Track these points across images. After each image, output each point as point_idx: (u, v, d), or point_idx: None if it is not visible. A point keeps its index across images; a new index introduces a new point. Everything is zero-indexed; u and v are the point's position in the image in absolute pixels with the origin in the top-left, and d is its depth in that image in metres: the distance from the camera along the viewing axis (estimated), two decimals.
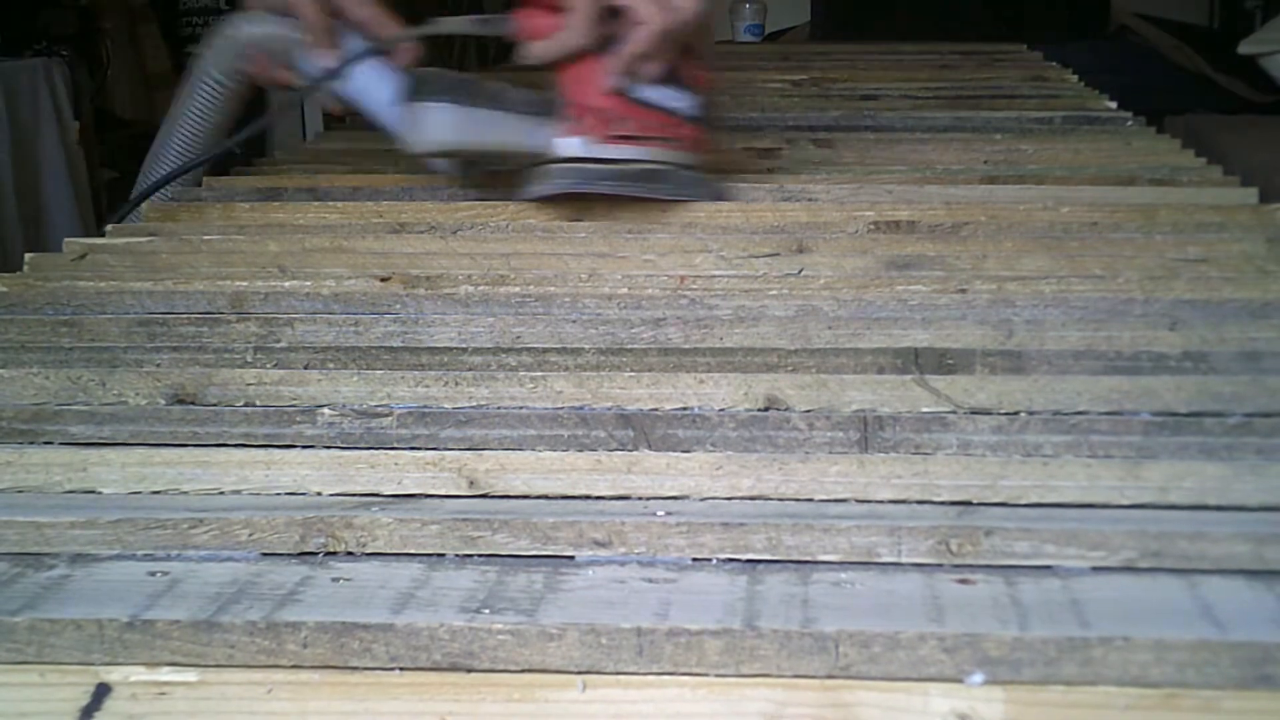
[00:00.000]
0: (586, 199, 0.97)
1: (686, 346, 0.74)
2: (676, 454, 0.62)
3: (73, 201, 2.61)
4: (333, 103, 1.06)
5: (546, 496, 0.61)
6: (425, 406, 0.68)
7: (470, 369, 0.71)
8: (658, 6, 0.93)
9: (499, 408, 0.68)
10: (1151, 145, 1.21)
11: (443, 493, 0.62)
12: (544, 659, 0.50)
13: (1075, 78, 1.60)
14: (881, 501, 0.60)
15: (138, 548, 0.58)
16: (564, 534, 0.57)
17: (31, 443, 0.67)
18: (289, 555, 0.57)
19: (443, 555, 0.57)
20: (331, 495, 0.62)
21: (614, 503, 0.60)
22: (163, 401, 0.70)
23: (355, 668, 0.50)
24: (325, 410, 0.67)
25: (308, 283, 0.84)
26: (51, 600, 0.53)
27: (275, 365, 0.72)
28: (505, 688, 0.50)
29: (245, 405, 0.69)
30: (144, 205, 1.05)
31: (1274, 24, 2.65)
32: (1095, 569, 0.54)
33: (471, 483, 0.62)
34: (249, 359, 0.73)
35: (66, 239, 0.97)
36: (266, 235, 0.96)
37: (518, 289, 0.83)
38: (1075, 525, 0.56)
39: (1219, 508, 0.58)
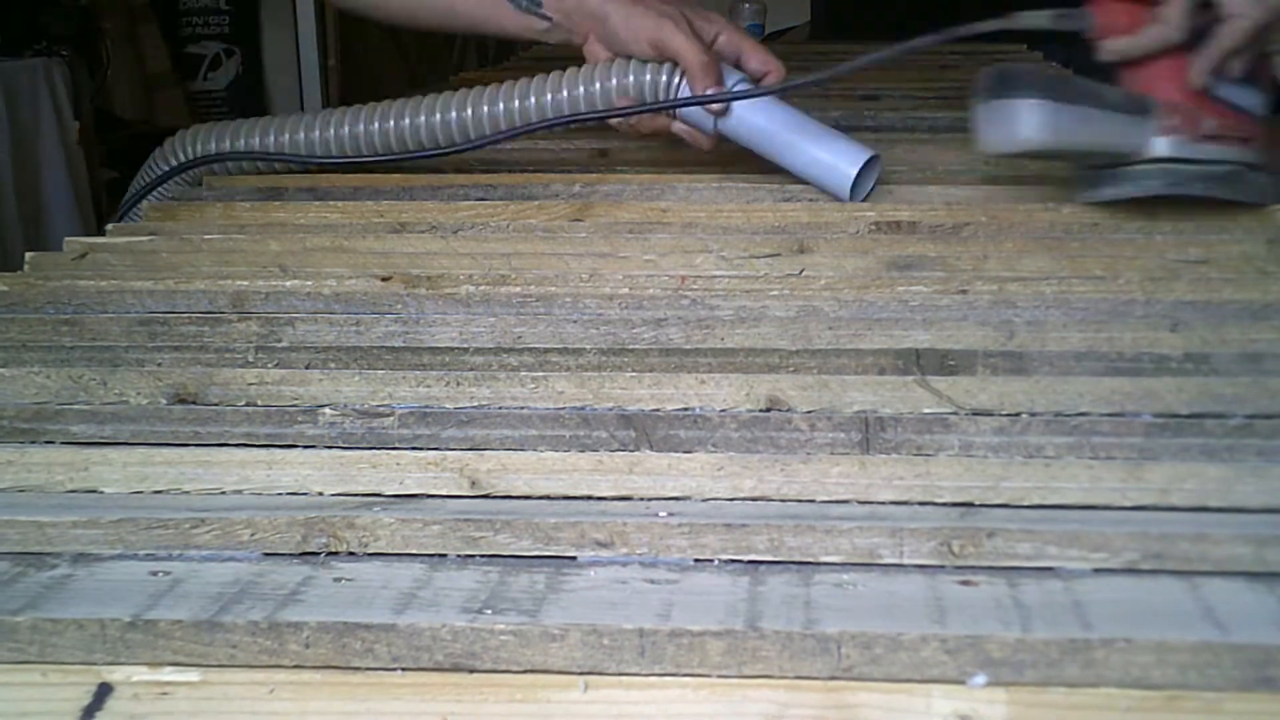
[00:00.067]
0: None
1: (688, 347, 0.74)
2: (678, 454, 0.62)
3: (73, 201, 2.61)
4: (707, 141, 1.05)
5: (548, 497, 0.61)
6: (427, 406, 0.68)
7: (472, 369, 0.71)
8: (1240, 13, 0.90)
9: (500, 408, 0.68)
10: None
11: (444, 493, 0.62)
12: (546, 659, 0.50)
13: None
14: (883, 503, 0.60)
15: (140, 547, 0.58)
16: (566, 534, 0.57)
17: (33, 442, 0.67)
18: (291, 555, 0.57)
19: (445, 555, 0.57)
20: (333, 495, 0.62)
21: (616, 503, 0.60)
22: (164, 401, 0.70)
23: (357, 668, 0.50)
24: (327, 410, 0.67)
25: (309, 282, 0.84)
26: (53, 600, 0.53)
27: (276, 365, 0.72)
28: (507, 688, 0.50)
29: (247, 405, 0.69)
30: (143, 204, 1.05)
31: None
32: (1097, 570, 0.54)
33: (473, 483, 0.62)
34: (250, 358, 0.73)
35: (67, 239, 0.97)
36: (267, 234, 0.96)
37: (519, 289, 0.83)
38: (1077, 527, 0.56)
39: (1220, 509, 0.58)
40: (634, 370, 0.70)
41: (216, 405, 0.69)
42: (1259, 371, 0.69)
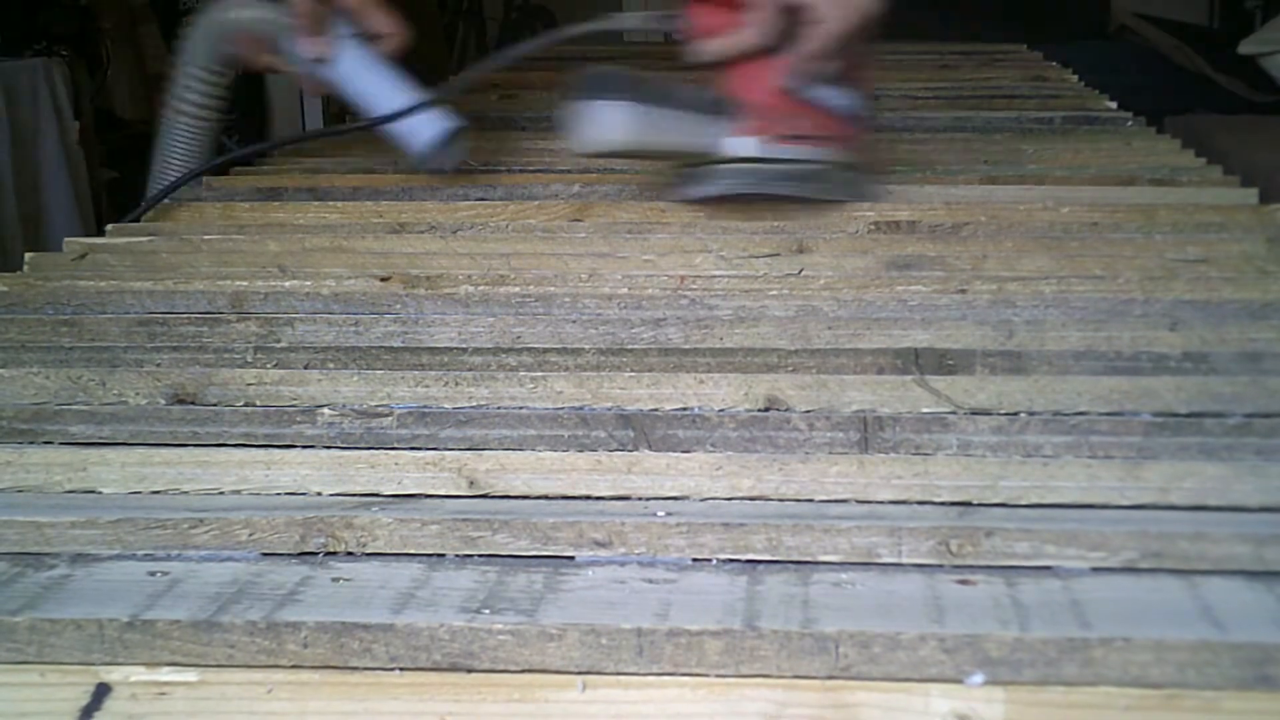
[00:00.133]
0: (751, 200, 0.97)
1: (686, 347, 0.74)
2: (676, 454, 0.62)
3: (73, 201, 2.61)
4: (316, 87, 1.06)
5: (546, 497, 0.61)
6: (425, 406, 0.68)
7: (470, 369, 0.71)
8: (837, 5, 0.92)
9: (499, 408, 0.68)
10: (1151, 145, 1.21)
11: (443, 493, 0.62)
12: (544, 659, 0.50)
13: (1075, 78, 1.60)
14: (882, 502, 0.60)
15: (138, 547, 0.58)
16: (564, 534, 0.57)
17: (31, 442, 0.67)
18: (289, 555, 0.57)
19: (443, 555, 0.57)
20: (331, 495, 0.62)
21: (614, 503, 0.60)
22: (163, 401, 0.70)
23: (355, 668, 0.50)
24: (325, 410, 0.67)
25: (308, 282, 0.85)
26: (52, 600, 0.53)
27: (275, 365, 0.72)
28: (505, 688, 0.50)
29: (245, 405, 0.69)
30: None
31: (1274, 24, 2.65)
32: (1095, 569, 0.54)
33: (471, 483, 0.62)
34: (249, 359, 0.73)
35: (66, 239, 0.97)
36: (266, 235, 0.96)
37: (518, 289, 0.83)
38: (1075, 526, 0.56)
39: (1219, 508, 0.58)
40: (633, 370, 0.70)
41: (215, 405, 0.69)
42: (1258, 371, 0.69)
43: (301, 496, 0.62)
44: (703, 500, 0.60)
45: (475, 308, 0.81)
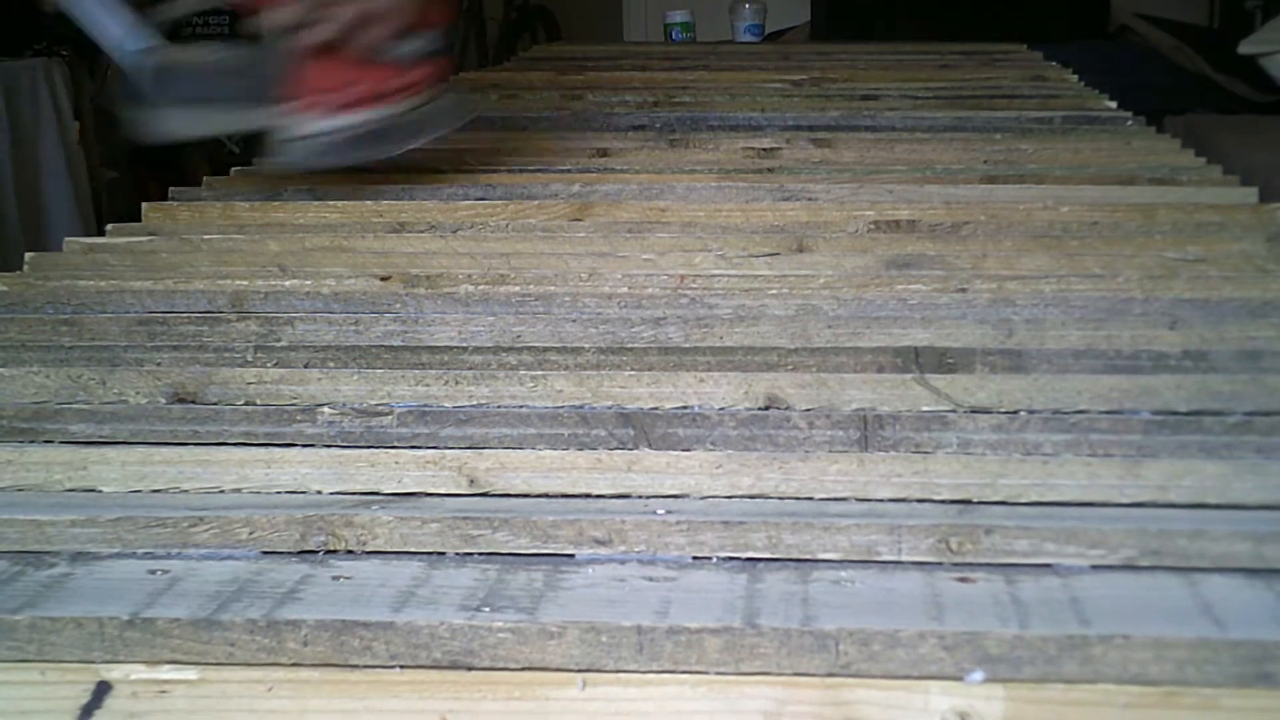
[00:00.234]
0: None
1: (686, 345, 0.74)
2: (676, 453, 0.62)
3: (73, 201, 2.61)
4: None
5: (546, 495, 0.61)
6: (425, 405, 0.68)
7: (470, 368, 0.71)
8: None
9: (499, 406, 0.68)
10: (1151, 145, 1.21)
11: (443, 491, 0.62)
12: (544, 657, 0.50)
13: (1075, 78, 1.60)
14: (881, 500, 0.60)
15: (138, 546, 0.58)
16: (564, 532, 0.57)
17: (32, 441, 0.67)
18: (289, 553, 0.57)
19: (443, 553, 0.57)
20: (332, 494, 0.62)
21: (614, 501, 0.60)
22: (163, 400, 0.70)
23: (355, 666, 0.50)
24: (325, 409, 0.67)
25: (308, 282, 0.85)
26: (52, 598, 0.53)
27: (275, 364, 0.72)
28: (505, 685, 0.50)
29: (245, 404, 0.69)
30: (143, 205, 1.05)
31: (1274, 24, 2.65)
32: (1095, 567, 0.54)
33: (472, 481, 0.62)
34: (249, 358, 0.73)
35: (66, 239, 0.97)
36: (266, 234, 0.96)
37: (518, 288, 0.83)
38: (1075, 524, 0.56)
39: (1218, 506, 0.58)
40: (633, 369, 0.70)
41: (215, 404, 0.69)
42: (1257, 369, 0.69)
43: (302, 495, 0.62)
44: (703, 498, 0.60)
45: (475, 307, 0.81)
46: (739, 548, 0.56)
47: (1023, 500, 0.59)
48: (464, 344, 0.75)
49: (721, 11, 3.23)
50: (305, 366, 0.72)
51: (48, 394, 0.70)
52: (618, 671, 0.50)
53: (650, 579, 0.54)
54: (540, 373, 0.70)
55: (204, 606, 0.52)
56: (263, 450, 0.64)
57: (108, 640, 0.51)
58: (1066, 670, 0.48)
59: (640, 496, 0.61)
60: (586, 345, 0.74)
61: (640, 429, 0.65)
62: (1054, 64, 1.74)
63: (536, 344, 0.75)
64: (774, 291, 0.82)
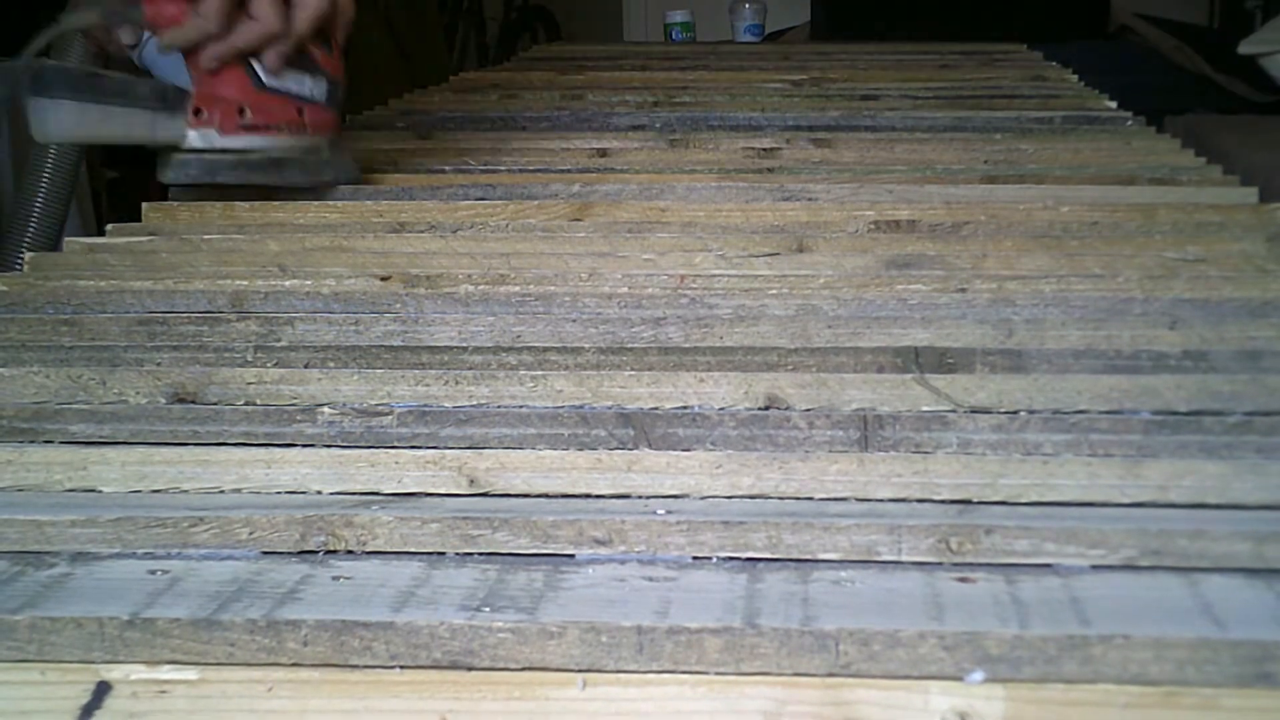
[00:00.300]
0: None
1: (686, 345, 0.74)
2: (676, 453, 0.62)
3: (73, 202, 2.61)
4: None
5: (547, 495, 0.61)
6: (425, 405, 0.68)
7: (470, 368, 0.71)
8: (275, 5, 0.95)
9: (499, 406, 0.68)
10: (1151, 145, 1.21)
11: (443, 491, 0.62)
12: (544, 657, 0.50)
13: (1075, 78, 1.60)
14: (881, 500, 0.60)
15: (138, 546, 0.58)
16: (564, 532, 0.57)
17: (32, 441, 0.67)
18: (289, 554, 0.57)
19: (443, 554, 0.57)
20: (332, 494, 0.62)
21: (614, 501, 0.60)
22: (163, 400, 0.70)
23: (355, 666, 0.50)
24: (325, 409, 0.67)
25: (308, 282, 0.85)
26: (52, 598, 0.53)
27: (275, 364, 0.72)
28: (505, 686, 0.50)
29: (245, 404, 0.69)
30: (143, 205, 1.05)
31: (1274, 24, 2.65)
32: (1095, 567, 0.54)
33: (472, 481, 0.62)
34: (249, 358, 0.73)
35: (67, 239, 0.97)
36: (266, 234, 0.96)
37: (518, 288, 0.83)
38: (1075, 523, 0.56)
39: (1219, 506, 0.58)
40: (633, 369, 0.70)
41: (215, 404, 0.69)
42: (1258, 369, 0.69)
43: (302, 495, 0.62)
44: (703, 498, 0.60)
45: (475, 307, 0.81)
46: (739, 548, 0.56)
47: (1023, 500, 0.59)
48: (464, 344, 0.75)
49: (721, 11, 3.23)
50: (305, 366, 0.72)
51: (48, 394, 0.70)
52: (618, 671, 0.50)
53: (650, 579, 0.54)
54: (540, 373, 0.70)
55: (204, 606, 0.52)
56: (263, 450, 0.64)
57: (108, 640, 0.51)
58: (1066, 670, 0.48)
59: (640, 496, 0.61)
60: (586, 345, 0.74)
61: (640, 429, 0.65)
62: (1054, 64, 1.73)
63: (536, 344, 0.75)
64: (774, 291, 0.82)
